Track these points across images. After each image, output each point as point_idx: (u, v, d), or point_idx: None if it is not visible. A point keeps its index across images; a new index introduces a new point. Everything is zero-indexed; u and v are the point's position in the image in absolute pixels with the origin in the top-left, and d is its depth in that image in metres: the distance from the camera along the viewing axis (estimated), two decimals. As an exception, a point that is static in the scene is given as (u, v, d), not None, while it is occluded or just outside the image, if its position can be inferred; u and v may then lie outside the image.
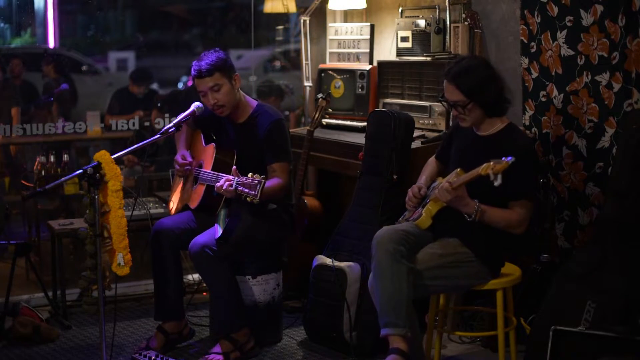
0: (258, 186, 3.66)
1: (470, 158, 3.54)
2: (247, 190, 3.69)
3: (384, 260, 3.45)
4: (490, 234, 3.55)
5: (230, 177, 3.81)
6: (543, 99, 4.31)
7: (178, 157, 4.22)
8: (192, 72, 4.08)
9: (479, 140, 3.65)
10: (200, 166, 4.20)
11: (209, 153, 4.16)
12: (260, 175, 3.70)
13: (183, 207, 4.28)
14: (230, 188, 3.78)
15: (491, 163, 3.26)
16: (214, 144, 4.16)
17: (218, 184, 3.84)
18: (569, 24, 4.12)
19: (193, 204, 4.17)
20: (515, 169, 3.32)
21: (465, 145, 3.70)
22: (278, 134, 4.13)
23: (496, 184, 3.26)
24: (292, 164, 4.20)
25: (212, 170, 4.08)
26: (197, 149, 4.31)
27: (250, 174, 3.72)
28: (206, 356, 4.07)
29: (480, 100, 3.54)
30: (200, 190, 4.14)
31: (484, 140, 3.64)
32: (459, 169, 3.53)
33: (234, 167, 3.88)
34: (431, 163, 3.95)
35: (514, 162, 3.25)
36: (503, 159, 3.24)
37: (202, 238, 3.99)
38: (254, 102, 4.23)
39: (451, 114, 3.63)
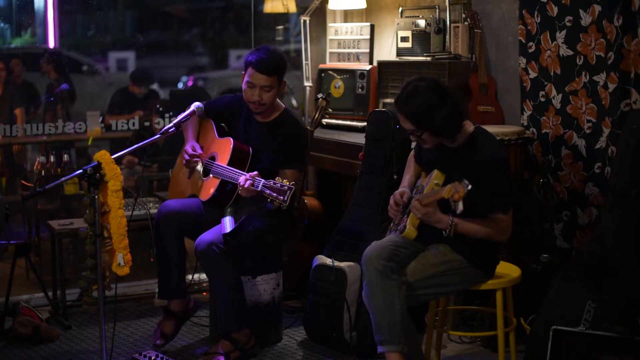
0: (288, 192, 3.68)
1: (442, 166, 3.51)
2: (275, 194, 3.71)
3: (374, 278, 3.43)
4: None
5: (251, 174, 3.81)
6: (542, 99, 4.31)
7: (188, 148, 4.17)
8: (251, 60, 4.02)
9: (447, 152, 3.54)
10: (213, 158, 4.16)
11: (224, 146, 4.12)
12: (290, 182, 3.72)
13: (190, 197, 4.26)
14: (252, 187, 3.79)
15: (453, 189, 3.22)
16: (231, 138, 4.12)
17: (243, 183, 3.82)
18: (568, 24, 4.13)
19: (204, 197, 4.12)
20: (487, 184, 3.33)
21: (433, 156, 3.60)
22: (300, 141, 4.16)
23: (458, 211, 3.26)
24: (303, 174, 4.22)
25: (228, 164, 4.04)
26: (209, 139, 4.27)
27: (278, 178, 3.74)
28: (206, 356, 4.07)
29: (431, 128, 3.42)
30: (212, 183, 4.09)
31: (453, 152, 3.52)
32: (436, 171, 3.51)
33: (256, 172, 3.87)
34: (412, 160, 3.84)
35: (485, 178, 3.30)
36: (463, 182, 3.19)
37: (208, 235, 3.99)
38: (282, 105, 4.25)
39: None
